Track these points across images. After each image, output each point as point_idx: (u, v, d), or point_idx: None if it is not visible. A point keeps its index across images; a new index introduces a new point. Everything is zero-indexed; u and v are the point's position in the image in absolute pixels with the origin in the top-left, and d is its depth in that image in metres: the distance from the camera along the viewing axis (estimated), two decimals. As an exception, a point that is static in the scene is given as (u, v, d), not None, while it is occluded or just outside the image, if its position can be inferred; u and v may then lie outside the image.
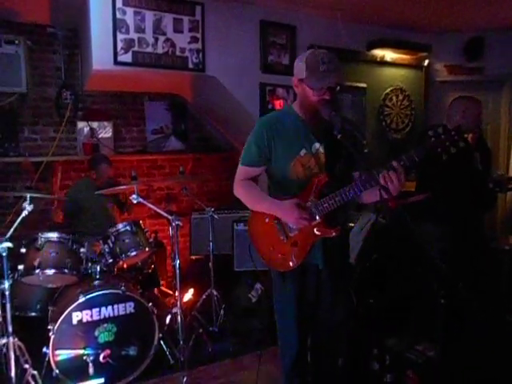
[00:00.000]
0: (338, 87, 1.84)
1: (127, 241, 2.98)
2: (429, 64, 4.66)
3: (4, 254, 2.34)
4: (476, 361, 2.59)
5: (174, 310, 2.95)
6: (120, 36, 3.16)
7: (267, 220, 1.97)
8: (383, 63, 4.43)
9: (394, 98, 4.55)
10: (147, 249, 3.06)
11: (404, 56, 4.50)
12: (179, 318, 2.82)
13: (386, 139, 4.52)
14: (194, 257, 4.17)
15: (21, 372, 2.45)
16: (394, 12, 3.91)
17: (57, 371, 2.54)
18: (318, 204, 1.86)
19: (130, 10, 3.18)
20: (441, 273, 1.59)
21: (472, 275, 2.48)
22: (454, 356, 2.42)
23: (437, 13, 3.96)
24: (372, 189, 1.75)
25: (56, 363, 2.54)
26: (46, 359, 2.54)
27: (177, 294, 2.91)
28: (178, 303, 2.86)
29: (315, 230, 1.88)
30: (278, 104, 3.86)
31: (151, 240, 3.18)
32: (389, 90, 4.51)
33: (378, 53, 4.35)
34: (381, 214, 3.07)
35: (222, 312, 3.39)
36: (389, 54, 4.41)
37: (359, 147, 1.84)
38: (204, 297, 3.45)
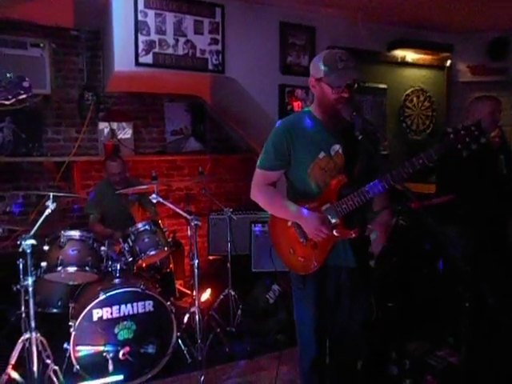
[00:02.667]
0: (356, 85, 1.83)
1: (147, 240, 3.02)
2: (451, 64, 4.58)
3: (28, 251, 2.39)
4: (499, 367, 2.52)
5: (192, 310, 2.97)
6: (141, 38, 3.21)
7: (286, 223, 1.96)
8: (404, 64, 4.37)
9: (415, 99, 4.49)
10: (166, 248, 3.09)
11: (425, 56, 4.43)
12: (197, 317, 2.83)
13: (407, 140, 4.47)
14: (211, 257, 4.19)
15: (43, 367, 2.49)
16: (414, 12, 3.85)
17: (77, 367, 2.58)
18: (336, 205, 1.85)
19: (151, 12, 3.22)
20: (465, 275, 1.56)
21: (496, 278, 2.43)
22: (477, 362, 2.37)
23: (459, 12, 3.89)
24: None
25: (77, 359, 2.59)
26: (67, 355, 2.59)
27: (195, 293, 2.92)
28: (196, 302, 2.88)
29: (334, 231, 1.87)
30: (297, 105, 3.85)
31: (170, 240, 3.21)
32: (409, 90, 4.45)
33: (399, 53, 4.30)
34: (401, 216, 3.03)
35: (239, 312, 3.40)
36: (410, 55, 4.35)
37: (380, 148, 1.83)
38: (221, 297, 3.47)
